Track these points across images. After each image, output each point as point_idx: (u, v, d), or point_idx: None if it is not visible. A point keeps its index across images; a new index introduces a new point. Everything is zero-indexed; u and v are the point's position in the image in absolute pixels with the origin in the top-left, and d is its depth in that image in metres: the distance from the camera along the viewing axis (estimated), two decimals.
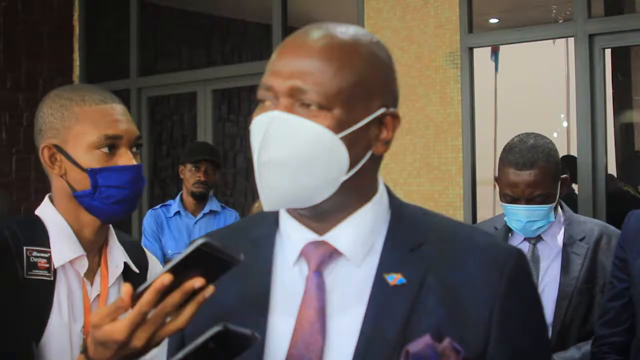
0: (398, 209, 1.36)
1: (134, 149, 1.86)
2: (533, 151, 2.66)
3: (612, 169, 7.54)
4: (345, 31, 1.30)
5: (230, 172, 8.69)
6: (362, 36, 1.31)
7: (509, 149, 2.73)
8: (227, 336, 1.18)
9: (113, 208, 1.83)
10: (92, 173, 1.81)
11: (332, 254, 1.30)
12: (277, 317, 1.30)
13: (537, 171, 2.63)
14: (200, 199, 4.66)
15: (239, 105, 8.88)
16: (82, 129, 1.82)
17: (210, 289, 1.22)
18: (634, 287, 2.32)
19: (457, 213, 4.79)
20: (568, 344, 2.60)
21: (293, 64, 1.25)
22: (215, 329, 1.17)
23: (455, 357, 1.22)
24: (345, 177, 1.26)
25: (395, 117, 1.31)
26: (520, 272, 1.31)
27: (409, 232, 1.32)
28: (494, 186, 2.85)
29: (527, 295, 1.32)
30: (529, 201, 2.65)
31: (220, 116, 8.31)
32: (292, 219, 1.34)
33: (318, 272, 1.29)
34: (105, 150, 1.81)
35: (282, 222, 1.37)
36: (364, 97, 1.27)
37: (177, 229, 4.65)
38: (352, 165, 1.26)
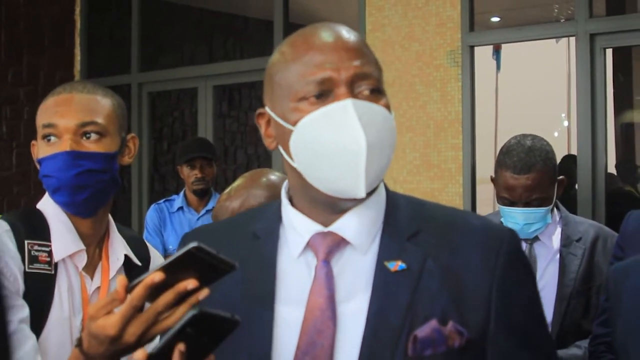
0: (393, 199, 1.40)
1: (90, 137, 1.82)
2: (530, 155, 2.63)
3: (613, 169, 7.55)
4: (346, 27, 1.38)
5: (230, 168, 8.69)
6: None
7: (506, 151, 2.71)
8: (205, 321, 1.19)
9: (55, 198, 1.83)
10: (39, 163, 1.84)
11: (339, 243, 1.33)
12: (284, 307, 1.32)
13: (534, 175, 2.62)
14: (203, 195, 4.68)
15: (240, 102, 8.87)
16: (37, 122, 1.86)
17: (205, 292, 1.23)
18: None
19: None
20: (567, 344, 2.60)
21: (345, 54, 1.30)
22: (190, 314, 1.18)
23: (459, 339, 1.27)
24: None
25: None
26: (514, 251, 1.36)
27: (404, 221, 1.36)
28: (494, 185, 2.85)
29: (523, 274, 1.37)
30: (527, 204, 2.63)
31: (220, 112, 8.30)
32: (297, 212, 1.37)
33: (326, 261, 1.32)
34: (46, 140, 1.82)
35: (286, 214, 1.39)
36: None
37: (179, 224, 4.66)
38: None
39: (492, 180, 2.78)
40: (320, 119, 1.27)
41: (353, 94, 1.28)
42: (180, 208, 4.70)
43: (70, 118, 1.81)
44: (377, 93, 1.30)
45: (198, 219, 4.66)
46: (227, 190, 2.03)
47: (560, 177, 2.72)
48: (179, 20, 8.22)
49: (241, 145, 8.84)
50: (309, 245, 1.34)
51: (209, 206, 4.67)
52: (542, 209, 2.64)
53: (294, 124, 1.30)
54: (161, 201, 4.81)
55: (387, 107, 1.31)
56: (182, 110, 8.32)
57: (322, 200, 1.32)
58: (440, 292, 1.29)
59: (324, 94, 1.28)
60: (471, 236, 1.35)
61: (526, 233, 2.68)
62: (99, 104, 1.86)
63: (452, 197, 4.85)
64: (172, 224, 4.67)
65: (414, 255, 1.32)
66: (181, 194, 4.77)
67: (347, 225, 1.33)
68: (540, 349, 1.35)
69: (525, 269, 1.38)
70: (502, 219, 2.73)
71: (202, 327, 1.19)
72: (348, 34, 1.33)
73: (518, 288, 1.33)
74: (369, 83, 1.29)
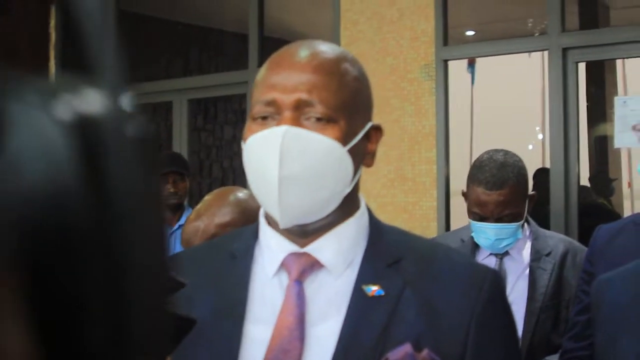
0: (377, 227, 1.38)
1: None
2: (503, 170, 2.63)
3: (587, 182, 7.60)
4: (333, 49, 1.35)
5: (206, 182, 8.67)
6: (347, 54, 1.37)
7: (478, 166, 2.70)
8: None
9: None
10: None
11: (313, 265, 1.31)
12: (254, 325, 1.31)
13: (507, 191, 2.61)
14: (175, 210, 4.66)
15: (215, 115, 8.86)
16: None
17: None
18: None
19: (431, 225, 4.80)
20: (537, 358, 2.60)
21: (296, 78, 1.27)
22: None
23: None
24: (349, 190, 1.30)
25: (379, 130, 1.37)
26: (496, 291, 1.34)
27: (387, 248, 1.35)
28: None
29: (503, 315, 1.36)
30: (498, 220, 2.63)
31: (195, 126, 8.29)
32: (273, 231, 1.35)
33: (298, 282, 1.30)
34: None
35: (262, 234, 1.38)
36: (360, 110, 1.32)
37: None
38: (352, 177, 1.30)
39: (464, 194, 2.78)
40: (256, 142, 1.26)
41: (299, 119, 1.25)
42: None
43: None
44: (324, 122, 1.25)
45: (171, 234, 4.63)
46: (195, 209, 2.03)
47: (532, 192, 2.73)
48: (154, 34, 8.20)
49: (216, 159, 8.82)
50: (283, 265, 1.33)
51: (182, 221, 4.64)
52: (513, 225, 2.64)
53: (245, 141, 1.30)
54: None
55: (339, 137, 1.26)
56: (157, 124, 8.29)
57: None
58: (417, 320, 1.27)
59: (271, 116, 1.26)
60: (453, 271, 1.34)
61: (497, 248, 2.68)
62: None
63: (426, 211, 4.86)
64: None
65: (393, 282, 1.30)
66: None
67: (322, 247, 1.31)
68: None
69: (505, 310, 1.37)
70: (472, 234, 2.73)
71: None
72: (315, 55, 1.30)
73: (497, 328, 1.33)
74: (316, 111, 1.25)
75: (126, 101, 0.45)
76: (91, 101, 0.43)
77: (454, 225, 4.88)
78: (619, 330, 1.45)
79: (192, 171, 5.42)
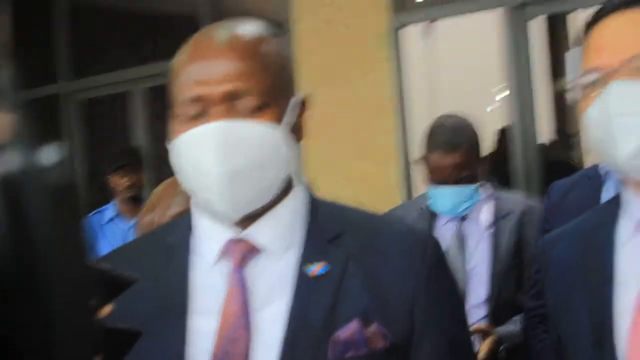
0: (315, 204, 1.35)
1: None
2: (456, 134, 2.66)
3: (552, 138, 7.62)
4: (252, 28, 1.29)
5: (170, 170, 8.61)
6: (266, 30, 1.31)
7: (431, 132, 2.74)
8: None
9: None
10: None
11: (253, 249, 1.28)
12: (199, 317, 1.27)
13: (461, 153, 2.64)
14: (135, 202, 4.60)
15: None
16: None
17: (107, 309, 1.18)
18: None
19: (395, 193, 4.78)
20: (504, 319, 2.61)
21: (220, 69, 1.22)
22: None
23: (382, 342, 1.23)
24: (289, 170, 1.27)
25: (303, 102, 1.34)
26: (439, 257, 1.33)
27: (327, 224, 1.32)
28: None
29: (447, 279, 1.35)
30: (456, 183, 2.65)
31: (156, 114, 8.20)
32: (208, 220, 1.31)
33: (240, 268, 1.27)
34: None
35: (198, 224, 1.34)
36: (287, 87, 1.29)
37: (112, 235, 4.55)
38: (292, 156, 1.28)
39: (419, 162, 2.79)
40: (189, 142, 1.22)
41: (231, 111, 1.21)
42: (112, 219, 4.63)
43: None
44: (257, 110, 1.22)
45: (131, 227, 4.57)
46: (147, 202, 2.00)
47: (485, 155, 2.77)
48: (105, 26, 8.09)
49: None
50: (222, 253, 1.29)
51: None
52: (472, 187, 2.67)
53: (172, 142, 1.26)
54: (91, 214, 4.68)
55: (274, 120, 1.23)
56: (116, 116, 8.19)
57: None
58: (363, 294, 1.25)
59: (200, 113, 1.22)
60: (394, 241, 1.33)
61: (456, 212, 2.69)
62: None
63: (390, 180, 4.84)
64: (105, 236, 4.55)
65: (336, 257, 1.28)
66: (112, 204, 4.70)
67: (260, 231, 1.28)
68: (463, 354, 1.35)
69: (448, 273, 1.36)
70: (429, 202, 2.73)
71: None
72: (234, 40, 1.25)
73: (443, 293, 1.32)
74: (247, 101, 1.21)
75: (47, 155, 0.52)
76: (11, 161, 0.50)
77: (417, 193, 4.87)
78: (571, 289, 1.42)
79: (157, 159, 5.40)
